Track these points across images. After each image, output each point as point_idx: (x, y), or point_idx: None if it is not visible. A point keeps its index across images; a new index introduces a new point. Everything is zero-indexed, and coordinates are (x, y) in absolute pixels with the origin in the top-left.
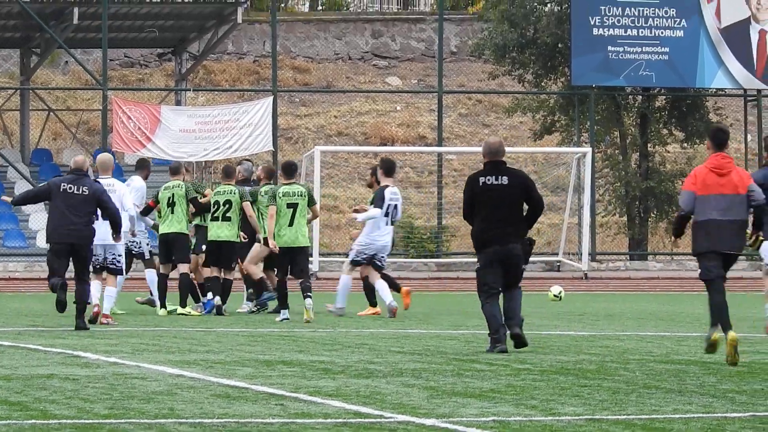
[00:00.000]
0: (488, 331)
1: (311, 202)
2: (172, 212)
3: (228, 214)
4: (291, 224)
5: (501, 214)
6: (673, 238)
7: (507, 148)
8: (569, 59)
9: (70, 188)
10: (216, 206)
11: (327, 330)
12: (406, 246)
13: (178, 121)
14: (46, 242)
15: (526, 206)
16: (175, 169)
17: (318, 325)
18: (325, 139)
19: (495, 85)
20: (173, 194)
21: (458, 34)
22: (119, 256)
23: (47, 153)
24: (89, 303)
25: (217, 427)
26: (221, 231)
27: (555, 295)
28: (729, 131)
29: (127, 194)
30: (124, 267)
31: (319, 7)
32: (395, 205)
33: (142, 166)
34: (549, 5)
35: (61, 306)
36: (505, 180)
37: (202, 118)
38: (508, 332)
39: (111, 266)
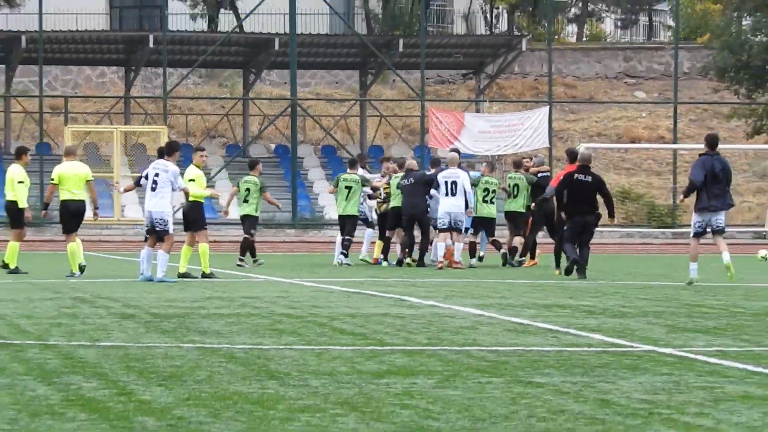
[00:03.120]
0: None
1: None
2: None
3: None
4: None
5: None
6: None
7: (725, 146)
8: None
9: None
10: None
11: (592, 282)
12: (649, 220)
13: (478, 124)
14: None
15: None
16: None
17: (588, 279)
18: (588, 138)
19: (717, 97)
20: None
21: (690, 59)
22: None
23: (379, 150)
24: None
25: (508, 353)
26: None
27: (762, 257)
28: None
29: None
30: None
31: (584, 38)
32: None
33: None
34: (758, 36)
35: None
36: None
37: (495, 122)
38: None
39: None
